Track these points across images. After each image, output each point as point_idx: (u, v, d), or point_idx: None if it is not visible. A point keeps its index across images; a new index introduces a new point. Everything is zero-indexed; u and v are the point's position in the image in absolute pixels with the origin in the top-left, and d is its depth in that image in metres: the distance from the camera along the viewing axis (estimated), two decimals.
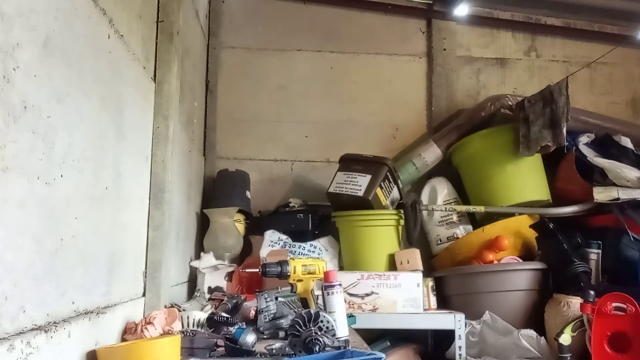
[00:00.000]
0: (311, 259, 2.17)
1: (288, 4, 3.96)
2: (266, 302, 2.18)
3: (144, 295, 2.17)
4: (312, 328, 1.71)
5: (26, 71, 1.17)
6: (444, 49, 3.98)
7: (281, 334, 2.06)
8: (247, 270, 2.67)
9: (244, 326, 1.87)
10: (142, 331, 1.81)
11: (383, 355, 1.56)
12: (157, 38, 2.31)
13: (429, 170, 3.63)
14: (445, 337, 3.00)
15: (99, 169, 1.66)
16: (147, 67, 2.21)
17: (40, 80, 1.24)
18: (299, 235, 3.33)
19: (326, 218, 3.43)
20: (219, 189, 3.57)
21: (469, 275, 3.16)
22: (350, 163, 3.36)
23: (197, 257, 3.18)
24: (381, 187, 3.23)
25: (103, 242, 1.70)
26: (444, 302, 3.22)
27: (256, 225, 3.46)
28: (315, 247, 3.24)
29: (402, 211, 3.22)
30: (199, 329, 2.07)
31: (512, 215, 3.29)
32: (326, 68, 3.94)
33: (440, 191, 3.53)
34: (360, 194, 3.18)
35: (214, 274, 3.03)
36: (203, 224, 3.39)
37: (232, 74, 3.88)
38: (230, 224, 3.30)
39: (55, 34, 1.31)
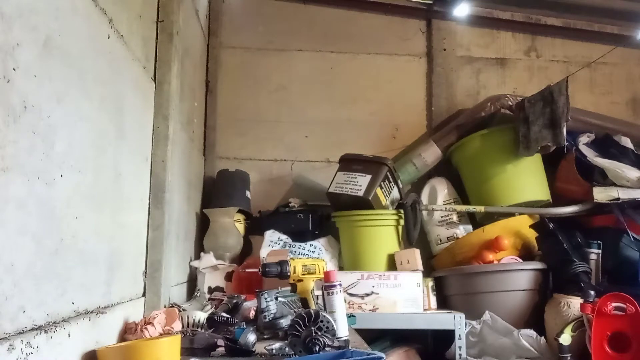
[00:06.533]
0: (311, 259, 2.17)
1: (288, 4, 3.96)
2: (266, 302, 2.18)
3: (144, 295, 2.17)
4: (312, 328, 1.71)
5: (26, 71, 1.17)
6: (444, 49, 3.98)
7: (281, 334, 2.06)
8: (247, 270, 2.67)
9: (244, 326, 1.86)
10: (142, 331, 1.81)
11: (383, 355, 1.56)
12: (157, 38, 2.31)
13: (429, 170, 3.64)
14: (445, 337, 3.00)
15: (99, 169, 1.66)
16: (147, 67, 2.21)
17: (40, 80, 1.24)
18: (299, 235, 3.33)
19: (326, 218, 3.43)
20: (219, 189, 3.57)
21: (469, 275, 3.17)
22: (350, 163, 3.36)
23: (197, 257, 3.18)
24: (381, 187, 3.23)
25: (103, 242, 1.70)
26: (444, 302, 3.22)
27: (256, 225, 3.46)
28: (315, 247, 3.24)
29: (402, 211, 3.22)
30: (199, 329, 2.07)
31: (512, 215, 3.30)
32: (326, 68, 3.93)
33: (440, 191, 3.53)
34: (360, 194, 3.19)
35: (214, 274, 3.03)
36: (203, 224, 3.39)
37: (232, 74, 3.88)
38: (230, 224, 3.31)
39: (55, 34, 1.31)
